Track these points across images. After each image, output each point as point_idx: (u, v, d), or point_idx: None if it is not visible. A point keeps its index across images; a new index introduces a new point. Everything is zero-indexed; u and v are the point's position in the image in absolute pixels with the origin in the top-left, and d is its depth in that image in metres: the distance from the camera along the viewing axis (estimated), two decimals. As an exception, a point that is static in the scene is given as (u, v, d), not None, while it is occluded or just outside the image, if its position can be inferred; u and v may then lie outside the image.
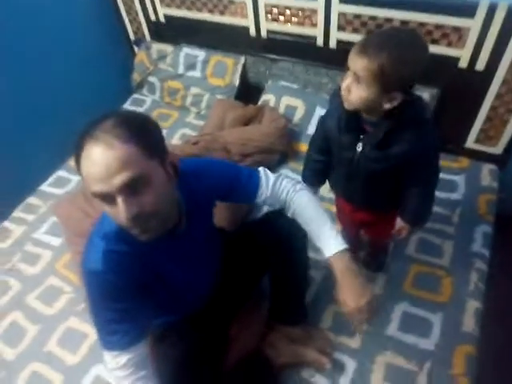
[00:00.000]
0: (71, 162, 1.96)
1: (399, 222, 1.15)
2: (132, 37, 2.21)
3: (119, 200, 0.75)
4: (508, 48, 1.37)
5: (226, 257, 1.17)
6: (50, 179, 1.90)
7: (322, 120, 1.14)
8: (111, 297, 0.87)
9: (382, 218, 1.22)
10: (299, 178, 1.28)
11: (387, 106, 0.91)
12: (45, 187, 1.86)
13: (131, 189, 0.75)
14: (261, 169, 1.10)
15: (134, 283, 0.89)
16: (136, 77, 2.16)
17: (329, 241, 1.00)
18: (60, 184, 1.87)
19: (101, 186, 0.74)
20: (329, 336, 1.27)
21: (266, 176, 1.07)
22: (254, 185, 1.06)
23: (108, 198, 0.75)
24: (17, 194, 1.81)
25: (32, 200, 1.81)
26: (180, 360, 1.09)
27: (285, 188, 1.07)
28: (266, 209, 1.40)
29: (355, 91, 0.91)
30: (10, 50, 1.77)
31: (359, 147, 1.02)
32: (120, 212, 0.75)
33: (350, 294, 0.96)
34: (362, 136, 1.02)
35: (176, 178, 0.87)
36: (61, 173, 1.93)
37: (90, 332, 1.34)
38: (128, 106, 2.17)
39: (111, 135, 0.74)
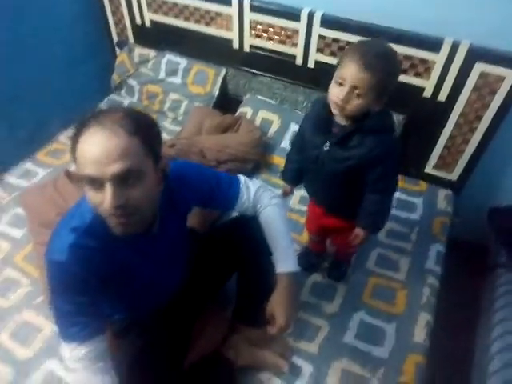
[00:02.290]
0: (39, 156, 1.92)
1: (356, 231, 1.22)
2: (115, 38, 2.23)
3: (108, 187, 0.76)
4: (467, 82, 1.50)
5: (195, 257, 1.19)
6: (17, 171, 1.84)
7: (302, 122, 1.23)
8: (73, 289, 0.87)
9: (348, 226, 1.28)
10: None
11: (376, 109, 1.03)
12: (10, 179, 1.80)
13: (123, 180, 0.77)
14: (241, 177, 1.14)
15: (98, 277, 0.89)
16: (116, 78, 2.16)
17: (282, 259, 1.07)
18: (26, 176, 1.82)
19: (95, 170, 0.75)
20: (288, 341, 1.30)
21: (246, 186, 1.12)
22: (234, 194, 1.10)
23: (97, 183, 0.77)
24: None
25: (-5, 190, 1.75)
26: (139, 353, 1.09)
27: (261, 200, 1.13)
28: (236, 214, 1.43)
29: (353, 102, 1.00)
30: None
31: (326, 146, 1.10)
32: (106, 199, 0.77)
33: (282, 312, 1.02)
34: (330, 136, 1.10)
35: (163, 183, 0.90)
36: (28, 165, 1.88)
37: (46, 326, 1.30)
38: (104, 105, 2.16)
39: (118, 125, 0.76)
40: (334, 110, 1.05)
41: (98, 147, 0.75)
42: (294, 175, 1.31)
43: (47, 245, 0.88)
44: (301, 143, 1.22)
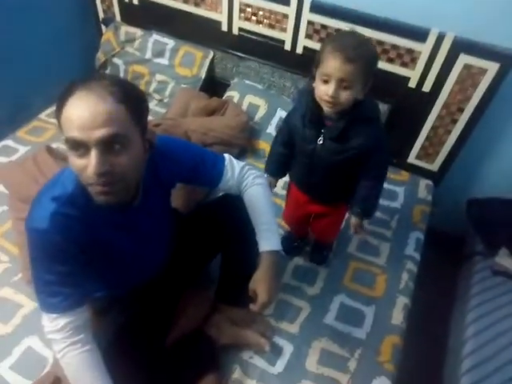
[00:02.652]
0: (20, 134, 1.87)
1: (352, 220, 1.25)
2: (102, 15, 2.17)
3: (93, 153, 0.75)
4: (451, 74, 1.54)
5: (178, 236, 1.18)
6: (-4, 148, 1.79)
7: (288, 116, 1.23)
8: (54, 258, 0.86)
9: (332, 211, 1.32)
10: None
11: (361, 97, 1.04)
12: (-12, 155, 1.76)
13: (108, 146, 0.76)
14: (226, 156, 1.14)
15: (79, 248, 0.88)
16: (100, 56, 2.11)
17: (265, 238, 1.08)
18: (5, 153, 1.76)
19: (81, 133, 0.74)
20: (269, 321, 1.32)
21: (231, 164, 1.12)
22: (219, 171, 1.10)
23: (82, 147, 0.76)
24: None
25: (-28, 165, 1.69)
26: (120, 330, 1.09)
27: (246, 179, 1.13)
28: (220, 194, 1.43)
29: (344, 95, 1.02)
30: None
31: (320, 140, 1.11)
32: (90, 165, 0.76)
33: (264, 288, 1.03)
34: (323, 130, 1.11)
35: (148, 153, 0.89)
36: (8, 142, 1.82)
37: (26, 303, 1.28)
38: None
39: (106, 91, 0.76)
40: (326, 108, 1.06)
41: (85, 111, 0.74)
42: (279, 167, 1.32)
43: (28, 214, 0.87)
44: (288, 137, 1.23)
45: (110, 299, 1.15)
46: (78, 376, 0.90)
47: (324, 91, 1.03)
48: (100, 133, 0.74)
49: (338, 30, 1.62)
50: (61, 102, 0.76)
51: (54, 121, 1.96)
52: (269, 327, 1.30)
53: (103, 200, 0.82)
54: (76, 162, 0.78)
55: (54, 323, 0.87)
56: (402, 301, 1.41)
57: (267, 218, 1.10)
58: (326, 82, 1.02)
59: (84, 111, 0.74)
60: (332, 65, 0.99)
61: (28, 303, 1.28)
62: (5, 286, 1.32)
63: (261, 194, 1.12)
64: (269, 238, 1.07)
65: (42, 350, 1.19)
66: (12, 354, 1.17)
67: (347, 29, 1.15)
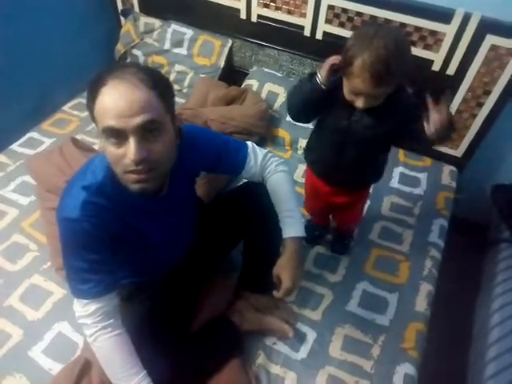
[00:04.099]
0: (44, 126, 1.91)
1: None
2: (120, 6, 2.18)
3: (132, 140, 0.77)
4: (476, 57, 1.49)
5: (201, 224, 1.20)
6: (22, 140, 1.84)
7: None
8: (85, 246, 0.88)
9: (355, 199, 1.30)
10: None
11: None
12: (15, 147, 1.81)
13: (146, 132, 0.78)
14: (249, 143, 1.14)
15: (109, 235, 0.90)
16: (120, 48, 2.13)
17: (289, 224, 1.08)
18: (31, 145, 1.81)
19: (119, 121, 0.75)
20: (292, 308, 1.33)
21: (254, 151, 1.12)
22: (242, 158, 1.10)
23: (120, 135, 0.77)
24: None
25: (1, 158, 1.75)
26: (147, 316, 1.12)
27: (268, 166, 1.13)
28: (242, 182, 1.44)
29: (375, 103, 1.00)
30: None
31: (355, 116, 1.07)
32: (128, 152, 0.77)
33: (288, 275, 1.03)
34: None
35: (178, 140, 0.90)
36: (33, 134, 1.87)
37: (55, 290, 1.33)
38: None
39: (137, 78, 0.77)
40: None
41: (121, 100, 0.75)
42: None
43: (59, 203, 0.89)
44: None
45: (136, 286, 1.17)
46: (109, 359, 0.93)
47: (353, 101, 1.01)
48: (138, 120, 0.76)
49: (358, 14, 1.58)
50: (93, 92, 0.78)
51: (77, 113, 1.99)
52: (292, 314, 1.31)
53: (139, 188, 0.83)
54: (113, 150, 0.79)
55: (85, 308, 0.90)
56: (426, 288, 1.40)
57: (290, 204, 1.10)
58: (357, 93, 0.99)
59: (120, 99, 0.75)
60: (361, 86, 0.94)
61: (58, 290, 1.33)
62: (35, 274, 1.37)
63: (284, 181, 1.12)
64: (292, 225, 1.07)
65: (72, 335, 1.23)
66: (44, 339, 1.22)
67: (371, 16, 1.07)
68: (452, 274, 1.63)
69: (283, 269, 1.04)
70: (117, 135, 0.77)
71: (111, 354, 0.93)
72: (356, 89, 0.97)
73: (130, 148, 0.77)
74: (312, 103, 1.09)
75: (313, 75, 1.06)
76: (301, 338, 1.26)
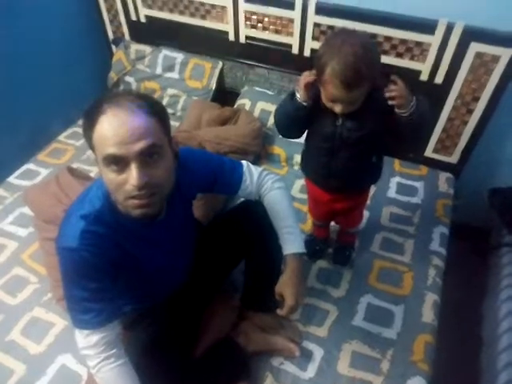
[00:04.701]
0: (40, 157, 1.92)
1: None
2: (111, 36, 2.22)
3: (133, 166, 0.77)
4: (463, 64, 1.51)
5: (200, 246, 1.19)
6: (18, 172, 1.85)
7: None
8: (85, 275, 0.87)
9: (356, 204, 1.32)
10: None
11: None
12: (12, 179, 1.81)
13: (146, 157, 0.79)
14: (244, 162, 1.15)
15: (109, 263, 0.90)
16: (113, 75, 2.16)
17: (289, 240, 1.08)
18: (28, 176, 1.82)
19: (120, 148, 0.76)
20: (297, 326, 1.31)
21: (249, 170, 1.13)
22: (238, 178, 1.11)
23: (121, 162, 0.78)
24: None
25: (-2, 191, 1.75)
26: (150, 343, 1.10)
27: (265, 184, 1.13)
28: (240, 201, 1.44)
29: (352, 107, 1.03)
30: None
31: (339, 122, 1.10)
32: (131, 178, 0.78)
33: (291, 292, 1.03)
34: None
35: (176, 164, 0.91)
36: (30, 166, 1.88)
37: (57, 321, 1.31)
38: (102, 104, 2.17)
39: (135, 105, 0.78)
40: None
41: (122, 127, 0.76)
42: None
43: (58, 233, 0.89)
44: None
45: (138, 313, 1.16)
46: None
47: (333, 107, 1.04)
48: (139, 145, 0.77)
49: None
50: (91, 121, 0.78)
51: (72, 142, 2.01)
52: (297, 332, 1.29)
53: (141, 213, 0.83)
54: (114, 178, 0.79)
55: (87, 339, 0.89)
56: (431, 297, 1.38)
57: (289, 221, 1.10)
58: (334, 101, 1.02)
59: (120, 127, 0.76)
60: (335, 93, 0.99)
61: (59, 322, 1.31)
62: (36, 306, 1.36)
63: (281, 198, 1.12)
64: (292, 241, 1.07)
65: (76, 367, 1.21)
66: (47, 374, 1.20)
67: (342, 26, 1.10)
68: (456, 281, 1.62)
69: (286, 286, 1.03)
70: (117, 162, 0.78)
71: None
72: (331, 95, 1.00)
73: (132, 174, 0.77)
74: (297, 120, 1.13)
75: (294, 94, 1.09)
76: (308, 356, 1.24)
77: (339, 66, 0.94)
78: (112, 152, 0.76)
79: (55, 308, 1.34)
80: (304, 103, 1.07)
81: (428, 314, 1.34)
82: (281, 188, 1.14)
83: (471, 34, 1.45)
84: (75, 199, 0.95)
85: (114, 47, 2.23)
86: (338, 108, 1.03)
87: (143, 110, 0.78)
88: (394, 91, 1.00)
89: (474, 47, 1.46)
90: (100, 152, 0.79)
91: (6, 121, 1.87)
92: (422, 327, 1.31)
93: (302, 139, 1.27)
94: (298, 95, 1.07)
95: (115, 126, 0.76)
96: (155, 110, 0.81)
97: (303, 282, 1.09)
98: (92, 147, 0.81)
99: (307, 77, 1.04)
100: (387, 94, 1.01)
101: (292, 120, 1.13)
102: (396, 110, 1.03)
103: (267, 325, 1.27)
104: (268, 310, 1.25)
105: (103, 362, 0.89)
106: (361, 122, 1.09)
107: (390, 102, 1.02)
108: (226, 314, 1.27)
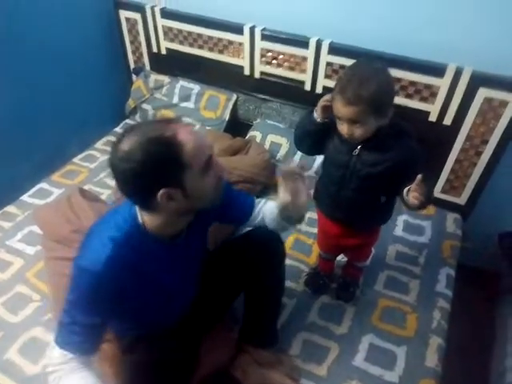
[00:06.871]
0: (54, 177, 1.97)
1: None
2: (132, 65, 2.33)
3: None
4: (472, 107, 1.54)
5: (205, 272, 1.20)
6: (32, 190, 1.89)
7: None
8: (93, 303, 0.88)
9: (365, 241, 1.31)
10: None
11: (385, 123, 1.05)
12: (25, 197, 1.85)
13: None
14: (254, 197, 1.20)
15: (122, 291, 0.90)
16: (131, 103, 2.24)
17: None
18: (41, 195, 1.86)
19: (210, 148, 0.88)
20: (296, 362, 1.28)
21: (257, 202, 1.18)
22: (250, 207, 1.16)
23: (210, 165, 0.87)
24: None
25: (10, 208, 1.79)
26: (146, 369, 1.08)
27: (260, 203, 1.19)
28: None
29: (358, 131, 1.05)
30: (8, 66, 1.79)
31: (355, 152, 1.12)
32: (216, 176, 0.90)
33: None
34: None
35: None
36: (43, 185, 1.93)
37: (55, 342, 1.30)
38: (119, 130, 2.24)
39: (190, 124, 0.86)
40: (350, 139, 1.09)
41: (201, 137, 0.86)
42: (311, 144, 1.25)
43: (80, 251, 0.90)
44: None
45: (137, 337, 1.15)
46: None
47: (340, 128, 1.07)
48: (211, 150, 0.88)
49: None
50: (172, 146, 0.84)
51: (87, 164, 2.06)
52: (296, 369, 1.26)
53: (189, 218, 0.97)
54: (212, 178, 0.89)
55: (63, 359, 0.89)
56: (436, 341, 1.34)
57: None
58: (340, 118, 1.06)
59: (200, 137, 0.86)
60: (337, 107, 1.04)
61: (57, 342, 1.30)
62: (35, 326, 1.35)
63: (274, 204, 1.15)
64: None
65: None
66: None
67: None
68: (463, 325, 1.57)
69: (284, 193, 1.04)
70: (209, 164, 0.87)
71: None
72: (335, 111, 1.05)
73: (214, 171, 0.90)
74: (310, 134, 1.20)
75: (312, 111, 1.17)
76: (306, 395, 1.21)
77: (344, 83, 1.01)
78: (210, 153, 0.87)
79: (54, 328, 1.33)
80: (318, 120, 1.15)
81: (432, 358, 1.30)
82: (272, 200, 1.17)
83: (479, 80, 1.48)
84: (98, 219, 0.97)
85: (134, 76, 2.33)
86: (344, 128, 1.06)
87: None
88: (419, 195, 1.01)
89: (483, 92, 1.49)
90: (199, 162, 0.83)
91: (24, 141, 1.94)
92: (425, 372, 1.27)
93: (312, 172, 1.30)
94: (315, 114, 1.15)
95: (198, 138, 0.84)
96: None
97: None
98: (182, 167, 0.82)
99: (326, 100, 1.10)
100: (411, 194, 1.03)
101: (305, 132, 1.21)
102: (410, 198, 1.04)
103: (265, 360, 1.24)
104: (266, 346, 1.23)
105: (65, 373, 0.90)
106: (377, 159, 1.10)
107: (410, 200, 1.04)
108: (224, 346, 1.25)
